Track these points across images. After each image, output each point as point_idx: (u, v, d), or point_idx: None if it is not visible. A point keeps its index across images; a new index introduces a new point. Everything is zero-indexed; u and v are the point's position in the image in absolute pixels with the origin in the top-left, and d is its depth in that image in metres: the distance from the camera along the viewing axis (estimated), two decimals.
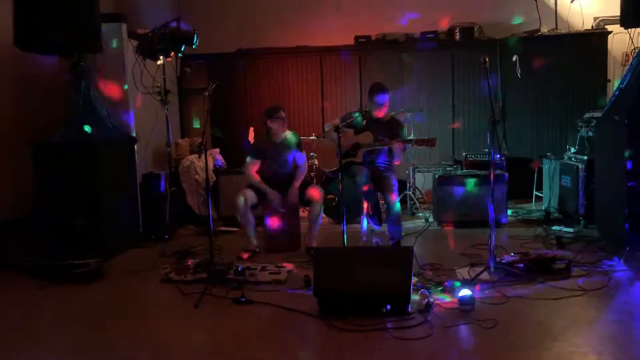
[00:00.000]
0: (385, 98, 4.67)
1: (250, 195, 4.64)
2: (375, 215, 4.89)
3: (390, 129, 4.73)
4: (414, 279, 3.40)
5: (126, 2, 6.59)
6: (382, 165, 4.79)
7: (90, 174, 4.64)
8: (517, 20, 6.91)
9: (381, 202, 4.82)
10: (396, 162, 4.78)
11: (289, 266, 4.24)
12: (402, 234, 4.72)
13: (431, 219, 5.75)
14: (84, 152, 4.64)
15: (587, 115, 5.54)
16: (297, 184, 4.70)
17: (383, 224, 4.87)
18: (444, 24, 6.94)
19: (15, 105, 5.24)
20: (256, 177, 4.69)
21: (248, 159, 4.75)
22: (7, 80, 5.18)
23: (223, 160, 6.58)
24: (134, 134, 5.37)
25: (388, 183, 4.59)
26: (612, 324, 3.06)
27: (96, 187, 4.66)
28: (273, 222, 4.78)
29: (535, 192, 6.26)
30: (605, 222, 4.69)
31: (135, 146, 5.35)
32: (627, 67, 4.68)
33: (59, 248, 4.48)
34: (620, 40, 6.48)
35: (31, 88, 5.35)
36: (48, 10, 4.41)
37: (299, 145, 4.82)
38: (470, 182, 5.41)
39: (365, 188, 4.59)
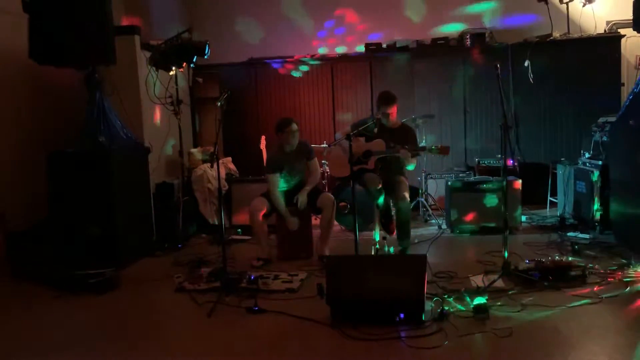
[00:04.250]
0: (392, 107, 4.67)
1: (264, 203, 4.65)
2: (387, 222, 4.87)
3: (401, 136, 4.72)
4: (427, 287, 3.38)
5: (139, 14, 6.68)
6: (394, 172, 4.77)
7: (105, 183, 4.69)
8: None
9: (393, 209, 4.80)
10: (409, 168, 4.74)
11: (302, 274, 4.24)
12: (415, 241, 4.70)
13: (444, 226, 5.72)
14: (99, 162, 4.70)
15: (601, 119, 5.47)
16: (307, 190, 4.72)
17: (396, 232, 4.85)
18: (454, 30, 6.92)
19: (30, 116, 5.32)
20: (279, 199, 4.69)
21: (269, 176, 4.73)
22: (23, 92, 5.27)
23: (235, 169, 6.61)
24: (147, 144, 5.42)
25: (400, 190, 4.57)
26: (629, 331, 3.01)
27: (110, 196, 4.70)
28: (285, 231, 4.79)
29: (549, 198, 6.20)
30: (621, 228, 4.63)
31: (149, 156, 5.40)
32: None
33: (74, 258, 4.53)
34: (633, 43, 6.43)
35: (46, 100, 5.43)
36: (62, 23, 4.48)
37: (310, 154, 4.83)
38: (484, 189, 5.38)
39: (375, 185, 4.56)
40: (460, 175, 6.18)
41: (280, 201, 4.68)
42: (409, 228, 4.64)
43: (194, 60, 5.49)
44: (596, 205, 5.03)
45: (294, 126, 4.69)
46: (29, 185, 5.16)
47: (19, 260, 4.70)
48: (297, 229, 4.76)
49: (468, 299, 3.43)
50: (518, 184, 5.34)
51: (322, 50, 7.17)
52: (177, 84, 5.83)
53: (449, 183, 5.57)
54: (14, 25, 4.87)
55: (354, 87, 7.05)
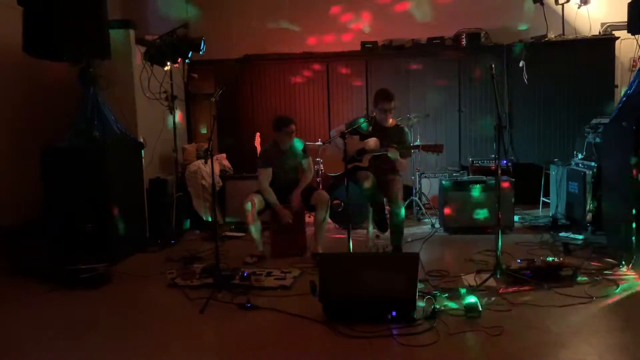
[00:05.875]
0: (390, 103, 4.68)
1: (258, 200, 4.65)
2: (381, 220, 4.88)
3: (395, 135, 4.73)
4: (419, 286, 3.39)
5: (134, 8, 6.65)
6: (388, 170, 4.78)
7: (98, 179, 4.67)
8: (523, 26, 6.89)
9: (387, 207, 4.81)
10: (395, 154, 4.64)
11: (295, 272, 4.24)
12: (408, 240, 4.71)
13: (437, 225, 5.73)
14: (92, 157, 4.67)
15: (594, 121, 5.51)
16: (300, 188, 4.73)
17: (389, 230, 4.86)
18: (450, 30, 6.92)
19: (24, 110, 5.29)
20: (270, 192, 4.69)
21: (259, 169, 4.75)
22: (17, 86, 5.24)
23: (229, 166, 6.60)
24: (141, 139, 5.39)
25: (393, 189, 4.58)
26: (619, 331, 3.04)
27: (104, 192, 4.68)
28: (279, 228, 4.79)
29: (542, 198, 6.23)
30: (612, 229, 4.65)
31: (142, 151, 5.38)
32: (634, 73, 4.66)
33: (67, 253, 4.51)
34: (627, 45, 6.45)
35: (40, 94, 5.40)
36: (57, 17, 4.45)
37: (305, 152, 4.84)
38: (477, 188, 5.40)
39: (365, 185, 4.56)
40: (454, 174, 6.20)
41: (272, 194, 4.68)
42: (402, 227, 4.65)
43: (189, 55, 5.47)
44: (588, 206, 5.07)
45: (293, 127, 4.71)
46: (23, 180, 5.12)
47: (13, 255, 4.68)
48: (291, 223, 4.74)
49: (460, 297, 3.44)
50: (511, 184, 5.36)
51: (317, 48, 7.16)
52: (172, 79, 5.81)
53: (443, 182, 5.59)
54: (7, 18, 4.83)
55: (349, 86, 7.04)
